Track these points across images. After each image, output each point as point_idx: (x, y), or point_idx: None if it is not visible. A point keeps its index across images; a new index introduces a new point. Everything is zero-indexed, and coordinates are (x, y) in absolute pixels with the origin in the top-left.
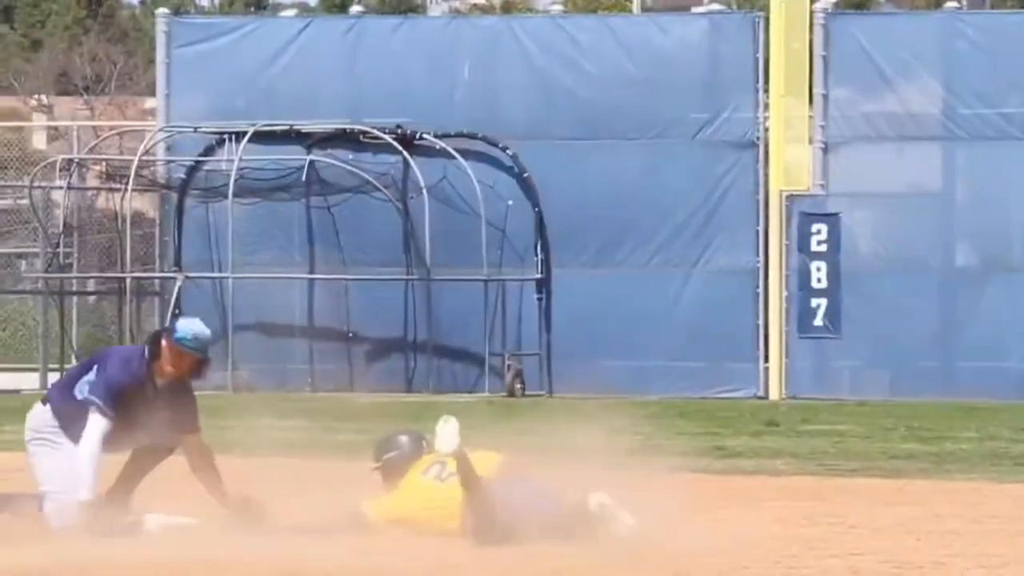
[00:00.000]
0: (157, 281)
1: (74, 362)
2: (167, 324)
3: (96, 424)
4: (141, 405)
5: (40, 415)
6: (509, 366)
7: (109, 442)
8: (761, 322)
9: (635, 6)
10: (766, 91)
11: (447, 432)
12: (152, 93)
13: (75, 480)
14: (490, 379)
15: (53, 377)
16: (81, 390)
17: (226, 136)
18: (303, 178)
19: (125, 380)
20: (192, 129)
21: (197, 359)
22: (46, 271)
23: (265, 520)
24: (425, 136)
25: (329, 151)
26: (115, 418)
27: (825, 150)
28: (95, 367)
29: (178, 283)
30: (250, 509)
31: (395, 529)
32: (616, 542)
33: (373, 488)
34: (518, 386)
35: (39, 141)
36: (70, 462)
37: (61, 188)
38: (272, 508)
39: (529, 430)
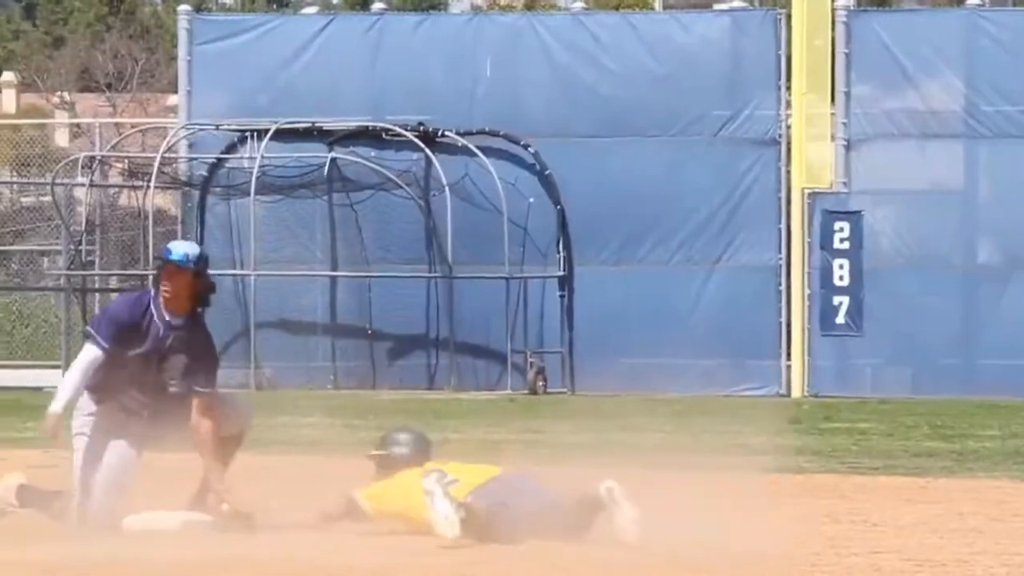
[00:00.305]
0: None
1: None
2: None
3: (86, 352)
4: (153, 344)
5: (80, 405)
6: (531, 363)
7: (135, 385)
8: (783, 320)
9: (657, 3)
10: (788, 88)
11: (441, 520)
12: (174, 90)
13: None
14: (512, 377)
15: None
16: None
17: (248, 133)
18: (325, 175)
19: (126, 312)
20: (214, 126)
21: (190, 276)
22: (68, 268)
23: (252, 531)
24: (447, 133)
25: (351, 148)
26: (113, 350)
27: (847, 147)
28: None
29: None
30: (240, 521)
31: (386, 520)
32: (628, 540)
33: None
34: (540, 384)
35: (61, 138)
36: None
37: (83, 185)
38: (281, 507)
39: (550, 428)
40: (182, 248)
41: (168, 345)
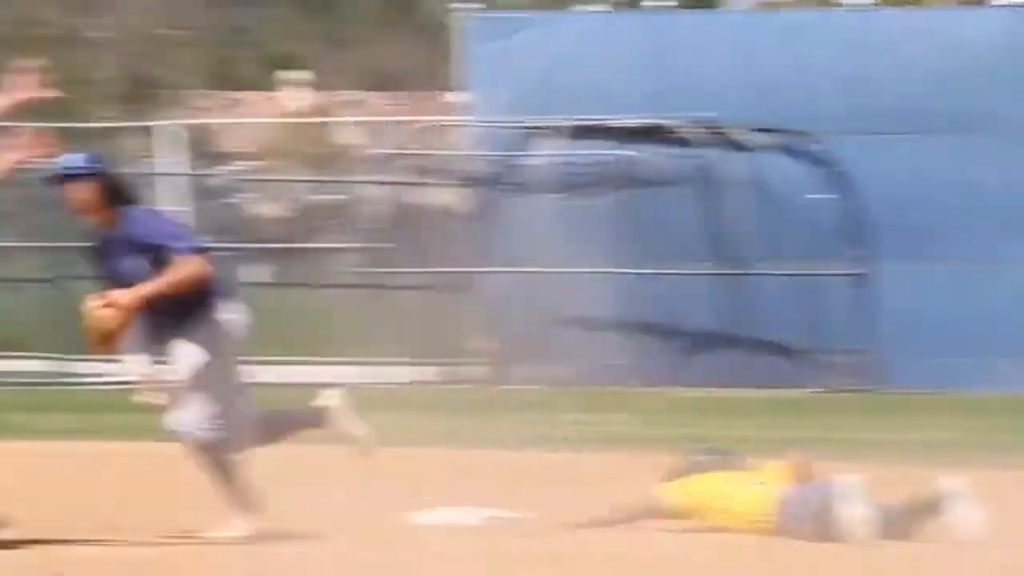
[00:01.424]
0: (471, 277)
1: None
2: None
3: None
4: (109, 268)
5: None
6: (829, 362)
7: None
8: None
9: None
10: None
11: (855, 517)
12: (454, 88)
13: None
14: (810, 374)
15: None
16: None
17: (531, 131)
18: (613, 173)
19: (94, 241)
20: (500, 124)
21: (80, 185)
22: (364, 266)
23: None
24: (736, 130)
25: (638, 146)
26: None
27: None
28: None
29: (492, 279)
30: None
31: (684, 514)
32: (972, 538)
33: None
34: (838, 382)
35: (349, 136)
36: None
37: (374, 183)
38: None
39: (847, 426)
40: (63, 161)
41: (116, 261)
